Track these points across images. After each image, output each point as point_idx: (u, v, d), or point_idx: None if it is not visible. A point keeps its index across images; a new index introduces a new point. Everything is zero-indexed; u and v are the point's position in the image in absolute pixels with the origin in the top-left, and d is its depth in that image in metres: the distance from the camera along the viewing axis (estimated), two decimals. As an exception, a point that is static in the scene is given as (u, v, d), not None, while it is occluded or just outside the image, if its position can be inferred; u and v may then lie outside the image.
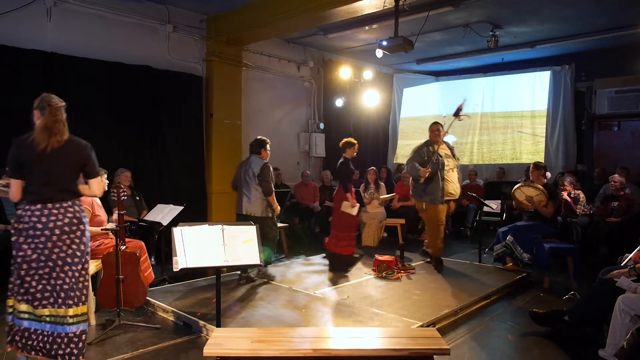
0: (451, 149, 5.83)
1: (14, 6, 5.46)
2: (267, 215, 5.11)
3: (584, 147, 9.39)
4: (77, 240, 2.85)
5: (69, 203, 2.85)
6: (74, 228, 2.84)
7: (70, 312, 2.79)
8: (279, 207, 5.32)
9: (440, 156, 5.55)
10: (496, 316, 4.25)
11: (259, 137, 5.39)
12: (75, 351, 2.78)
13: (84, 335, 2.86)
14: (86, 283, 2.95)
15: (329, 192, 8.01)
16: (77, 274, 2.85)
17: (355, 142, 6.29)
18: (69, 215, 2.82)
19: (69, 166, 2.90)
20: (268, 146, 5.34)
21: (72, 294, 2.80)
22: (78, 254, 2.86)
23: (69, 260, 2.81)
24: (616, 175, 6.56)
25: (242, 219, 5.07)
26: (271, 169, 5.24)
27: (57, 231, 2.76)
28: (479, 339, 3.70)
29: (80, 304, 2.84)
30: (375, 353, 2.52)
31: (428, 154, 5.58)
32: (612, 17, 7.30)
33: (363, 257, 6.29)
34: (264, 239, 5.29)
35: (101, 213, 4.38)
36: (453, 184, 5.62)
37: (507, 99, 10.26)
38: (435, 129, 5.69)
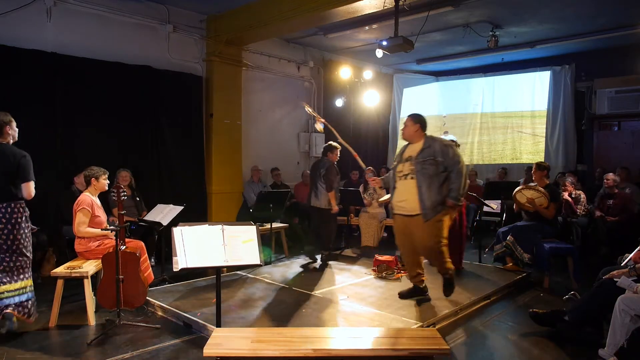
0: (426, 148, 4.07)
1: (14, 6, 5.46)
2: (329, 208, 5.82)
3: (584, 147, 9.39)
4: (10, 235, 3.54)
5: (4, 204, 3.52)
6: (7, 224, 3.54)
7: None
8: (336, 207, 5.90)
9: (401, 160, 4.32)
10: (496, 316, 4.25)
11: (329, 142, 6.07)
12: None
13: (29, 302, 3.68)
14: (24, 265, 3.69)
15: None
16: (12, 259, 3.59)
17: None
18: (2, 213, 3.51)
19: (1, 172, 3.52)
20: (337, 151, 5.98)
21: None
22: (9, 243, 3.55)
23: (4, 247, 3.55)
24: (610, 174, 6.58)
25: (312, 210, 6.06)
26: (335, 169, 5.86)
27: None
28: (479, 339, 3.70)
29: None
30: (375, 353, 2.52)
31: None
32: (612, 17, 7.30)
33: (363, 257, 6.29)
34: (319, 234, 6.05)
35: (100, 214, 4.39)
36: (401, 194, 4.16)
37: (507, 99, 10.26)
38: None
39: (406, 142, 4.32)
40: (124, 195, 4.11)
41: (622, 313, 3.09)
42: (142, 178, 6.33)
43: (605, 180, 6.48)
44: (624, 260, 3.90)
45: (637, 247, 3.82)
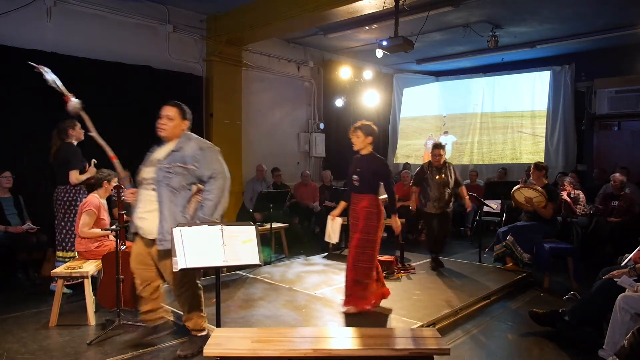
0: (176, 151, 3.17)
1: (14, 6, 5.47)
2: None
3: (584, 147, 9.39)
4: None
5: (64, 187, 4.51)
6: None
7: None
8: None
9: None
10: (496, 316, 4.25)
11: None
12: None
13: None
14: None
15: (329, 192, 8.02)
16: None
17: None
18: None
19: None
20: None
21: None
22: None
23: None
24: (617, 174, 6.57)
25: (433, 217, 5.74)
26: (421, 168, 5.83)
27: None
28: (479, 339, 3.70)
29: None
30: (375, 353, 2.52)
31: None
32: (612, 17, 7.31)
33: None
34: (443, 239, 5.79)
35: (105, 217, 4.44)
36: (142, 207, 3.28)
37: (507, 99, 10.27)
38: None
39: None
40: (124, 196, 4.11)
41: (622, 312, 3.09)
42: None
43: (612, 183, 6.48)
44: (624, 260, 3.90)
45: (637, 247, 3.82)
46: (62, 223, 4.76)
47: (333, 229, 4.38)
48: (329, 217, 4.42)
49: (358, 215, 4.04)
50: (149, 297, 3.33)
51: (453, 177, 5.67)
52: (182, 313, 3.92)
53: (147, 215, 3.06)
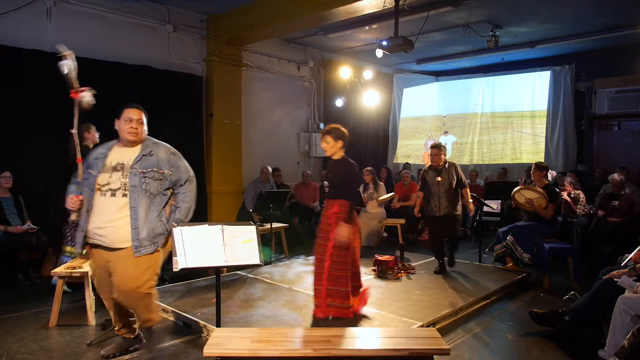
0: (147, 155, 3.06)
1: (14, 6, 5.47)
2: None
3: (584, 147, 9.39)
4: None
5: None
6: None
7: None
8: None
9: None
10: (496, 316, 4.25)
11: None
12: None
13: None
14: None
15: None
16: None
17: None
18: None
19: None
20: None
21: None
22: None
23: None
24: (615, 175, 6.57)
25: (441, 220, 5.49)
26: (457, 166, 5.53)
27: None
28: (479, 339, 3.70)
29: None
30: (375, 353, 2.52)
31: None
32: (612, 17, 7.31)
33: (363, 257, 6.27)
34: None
35: None
36: (102, 217, 2.99)
37: (507, 99, 10.26)
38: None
39: (115, 144, 3.15)
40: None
41: (622, 313, 3.09)
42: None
43: (612, 184, 6.48)
44: (624, 261, 3.91)
45: (637, 247, 3.82)
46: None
47: None
48: None
49: (330, 222, 3.84)
50: (123, 312, 3.11)
51: (456, 177, 5.36)
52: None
53: (112, 224, 2.84)
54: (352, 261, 3.92)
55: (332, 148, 3.92)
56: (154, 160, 2.99)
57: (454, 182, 5.34)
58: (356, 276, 4.04)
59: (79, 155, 2.93)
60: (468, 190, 5.55)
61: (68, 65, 3.04)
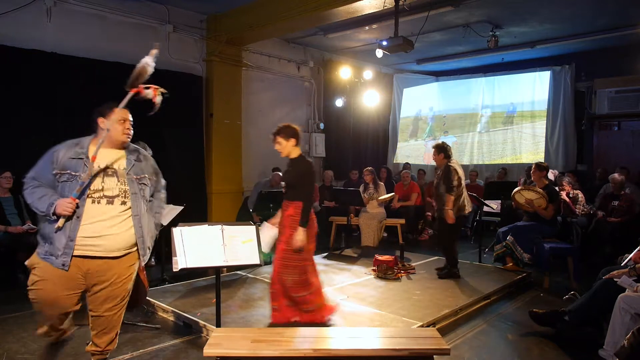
0: (136, 161, 2.86)
1: (14, 6, 5.47)
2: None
3: (584, 147, 9.39)
4: None
5: None
6: None
7: None
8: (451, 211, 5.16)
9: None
10: (496, 316, 4.25)
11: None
12: None
13: None
14: None
15: (329, 192, 8.00)
16: None
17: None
18: None
19: None
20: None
21: None
22: None
23: None
24: (615, 174, 6.57)
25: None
26: (451, 170, 5.14)
27: None
28: (479, 339, 3.70)
29: None
30: (375, 353, 2.52)
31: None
32: (612, 17, 7.30)
33: (363, 257, 6.29)
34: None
35: None
36: (95, 226, 2.70)
37: (507, 99, 10.26)
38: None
39: (89, 142, 2.76)
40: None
41: (622, 312, 3.09)
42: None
43: (612, 184, 6.48)
44: (624, 260, 3.91)
45: (637, 247, 3.82)
46: None
47: (263, 236, 3.77)
48: (265, 223, 3.95)
49: (284, 224, 3.72)
50: (60, 324, 2.84)
51: (445, 179, 5.09)
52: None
53: (110, 232, 2.61)
54: (307, 266, 3.72)
55: (285, 148, 3.73)
56: (142, 166, 2.82)
57: (442, 185, 5.15)
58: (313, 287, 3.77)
59: (94, 154, 2.65)
60: (452, 197, 5.06)
61: (149, 63, 2.94)
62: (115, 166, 2.71)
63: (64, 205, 2.48)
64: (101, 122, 2.75)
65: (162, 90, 2.95)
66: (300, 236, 3.59)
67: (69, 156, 2.64)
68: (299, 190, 3.71)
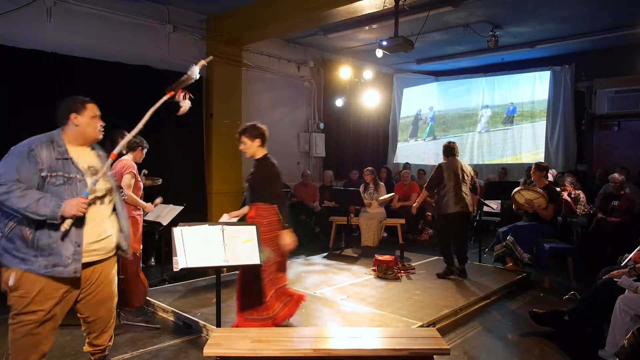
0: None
1: (14, 6, 5.46)
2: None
3: (584, 147, 9.39)
4: None
5: None
6: None
7: None
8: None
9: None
10: (496, 316, 4.25)
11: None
12: None
13: None
14: None
15: (329, 192, 8.01)
16: None
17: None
18: None
19: None
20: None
21: None
22: None
23: None
24: (616, 174, 6.57)
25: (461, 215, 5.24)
26: (435, 168, 5.40)
27: None
28: (479, 339, 3.70)
29: None
30: (375, 353, 2.52)
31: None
32: (612, 17, 7.31)
33: (363, 257, 6.29)
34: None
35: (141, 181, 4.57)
36: (97, 228, 2.64)
37: (507, 99, 10.26)
38: None
39: (58, 139, 2.55)
40: (124, 196, 4.12)
41: (622, 313, 3.09)
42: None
43: (612, 183, 6.48)
44: (624, 260, 3.91)
45: (637, 247, 3.83)
46: None
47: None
48: (225, 215, 3.77)
49: None
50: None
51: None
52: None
53: (107, 234, 2.57)
54: (273, 267, 3.65)
55: (249, 148, 3.66)
56: (107, 160, 2.65)
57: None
58: (276, 281, 3.68)
59: (116, 151, 2.59)
60: (425, 193, 5.55)
61: (196, 73, 3.06)
62: (93, 163, 2.59)
63: (78, 206, 2.31)
64: (74, 117, 2.55)
65: (190, 95, 3.05)
66: (286, 239, 3.51)
67: (54, 157, 2.43)
68: (260, 192, 3.59)
